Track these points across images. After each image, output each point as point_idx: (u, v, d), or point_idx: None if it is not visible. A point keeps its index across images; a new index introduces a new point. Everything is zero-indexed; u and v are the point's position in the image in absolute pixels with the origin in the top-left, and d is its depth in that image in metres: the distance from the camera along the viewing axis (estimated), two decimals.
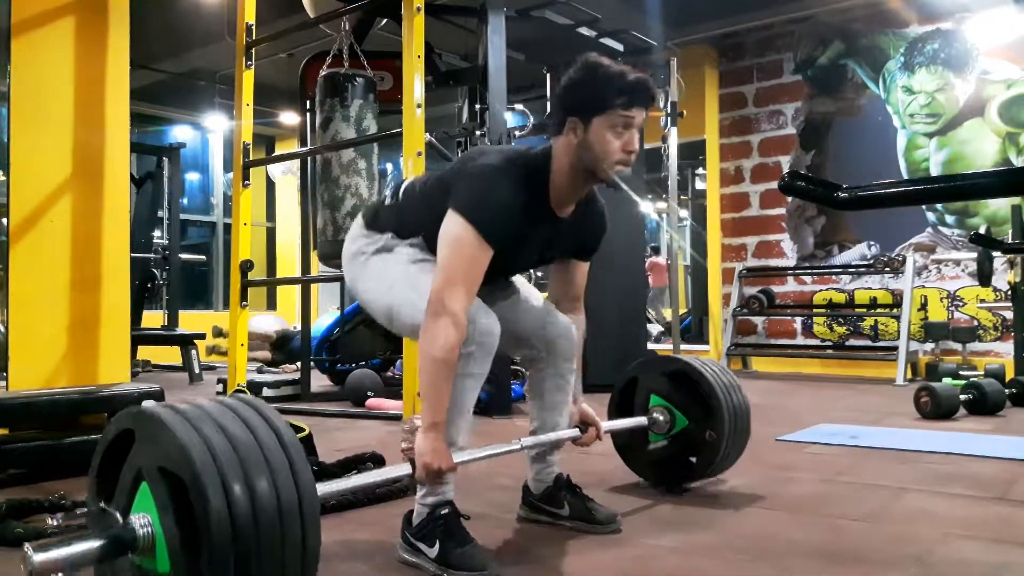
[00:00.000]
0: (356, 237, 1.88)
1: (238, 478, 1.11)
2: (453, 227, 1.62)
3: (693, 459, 2.29)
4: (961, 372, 5.42)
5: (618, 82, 1.65)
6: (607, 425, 2.08)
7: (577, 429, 1.98)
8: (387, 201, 1.88)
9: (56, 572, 1.09)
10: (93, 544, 1.13)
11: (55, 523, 1.90)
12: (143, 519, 1.15)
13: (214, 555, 1.08)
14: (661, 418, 2.25)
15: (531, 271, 3.69)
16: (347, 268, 1.89)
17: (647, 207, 7.67)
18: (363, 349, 5.58)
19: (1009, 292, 5.15)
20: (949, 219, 6.14)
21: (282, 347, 6.70)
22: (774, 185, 6.84)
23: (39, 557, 1.07)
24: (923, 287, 6.17)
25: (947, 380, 4.92)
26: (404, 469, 1.60)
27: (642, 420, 2.25)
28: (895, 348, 5.86)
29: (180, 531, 1.11)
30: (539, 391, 1.96)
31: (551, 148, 1.74)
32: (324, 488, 1.36)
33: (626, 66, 1.70)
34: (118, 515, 1.19)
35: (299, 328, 5.44)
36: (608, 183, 1.73)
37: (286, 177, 9.22)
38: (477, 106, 4.53)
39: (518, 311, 1.91)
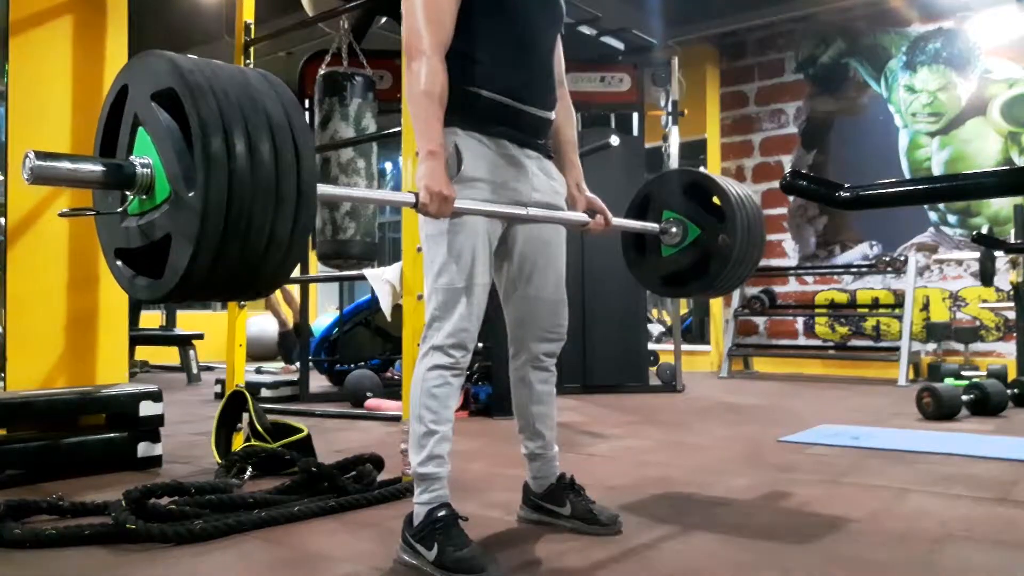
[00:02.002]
0: None
1: (233, 93, 1.14)
2: None
3: (706, 262, 2.19)
4: (963, 373, 5.40)
5: None
6: (618, 221, 2.00)
7: (585, 215, 1.92)
8: None
9: (56, 182, 1.13)
10: (96, 167, 1.17)
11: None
12: (143, 159, 1.19)
13: (208, 155, 1.10)
14: (673, 229, 2.18)
15: None
16: None
17: None
18: (362, 349, 5.58)
19: (1011, 292, 5.14)
20: (951, 219, 6.12)
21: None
22: (776, 184, 6.82)
23: (41, 163, 1.10)
24: (925, 287, 6.16)
25: (949, 381, 4.91)
26: (407, 196, 1.57)
27: (654, 226, 2.17)
28: (897, 348, 5.84)
29: (176, 152, 1.13)
30: (518, 394, 1.95)
31: None
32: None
33: None
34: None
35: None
36: None
37: None
38: None
39: (527, 313, 1.89)
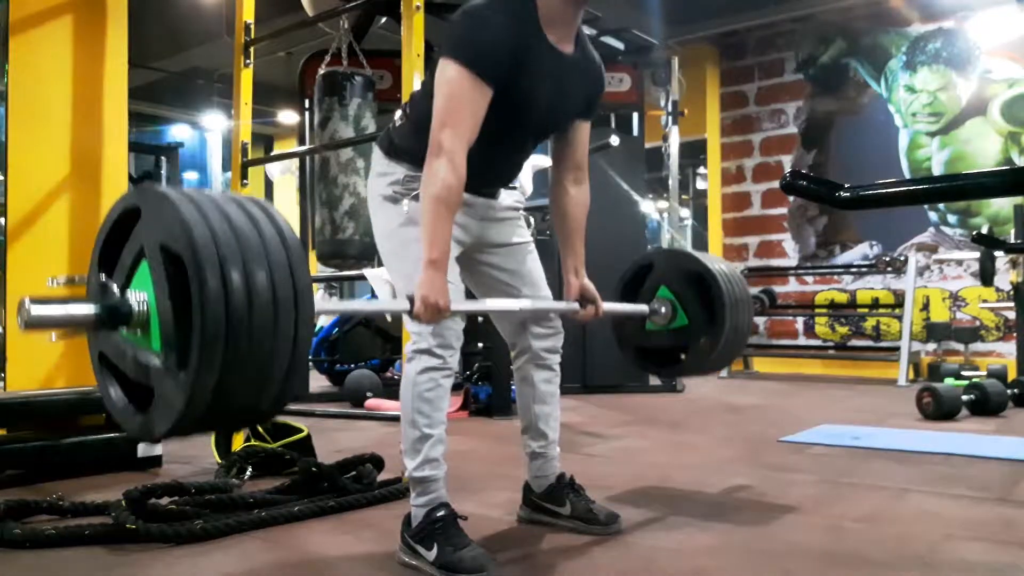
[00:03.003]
0: (377, 175, 1.83)
1: (237, 264, 1.11)
2: (444, 72, 1.60)
3: (683, 356, 2.23)
4: (963, 372, 5.40)
5: None
6: (608, 306, 2.02)
7: (577, 303, 1.93)
8: (398, 121, 1.83)
9: (50, 327, 1.12)
10: (89, 309, 1.16)
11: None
12: (140, 296, 1.17)
13: (205, 336, 1.07)
14: (663, 310, 2.18)
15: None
16: (370, 203, 1.86)
17: (647, 206, 7.65)
18: (362, 349, 5.57)
19: (1011, 292, 5.14)
20: (951, 219, 6.12)
21: None
22: (776, 184, 6.82)
23: (36, 309, 1.09)
24: (925, 287, 6.15)
25: (949, 381, 4.91)
26: (402, 303, 1.57)
27: (643, 308, 2.18)
28: (897, 348, 5.84)
29: (174, 311, 1.12)
30: (521, 393, 1.96)
31: None
32: (322, 304, 1.36)
33: None
34: (116, 289, 1.21)
35: None
36: None
37: (284, 176, 9.20)
38: None
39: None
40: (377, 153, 1.85)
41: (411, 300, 1.55)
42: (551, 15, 1.68)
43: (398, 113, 1.86)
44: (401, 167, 1.77)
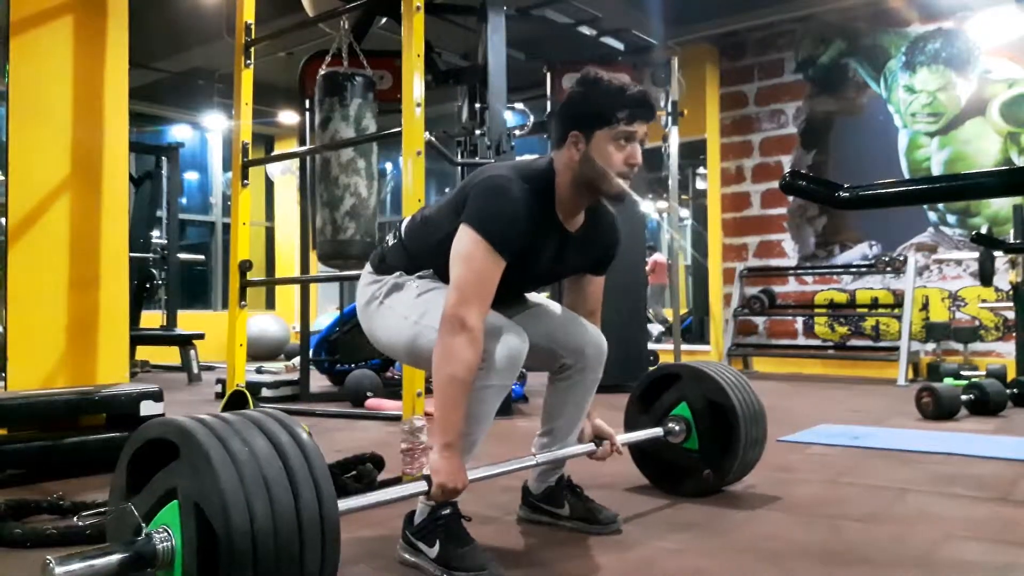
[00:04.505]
0: (366, 285, 1.85)
1: (263, 502, 1.13)
2: (465, 243, 1.60)
3: (682, 475, 2.28)
4: (963, 372, 5.41)
5: (619, 96, 1.66)
6: (622, 438, 2.06)
7: (592, 444, 1.96)
8: (391, 242, 1.86)
9: None
10: (113, 558, 1.14)
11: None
12: (164, 534, 1.17)
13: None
14: (677, 428, 2.23)
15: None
16: (362, 318, 1.86)
17: (647, 207, 7.66)
18: (362, 350, 5.56)
19: (1011, 292, 5.14)
20: (951, 219, 6.12)
21: None
22: (775, 184, 6.82)
23: (61, 570, 1.09)
24: (924, 287, 6.16)
25: (948, 380, 4.92)
26: (420, 486, 1.56)
27: (658, 431, 2.22)
28: (896, 348, 5.85)
29: (199, 555, 1.13)
30: (561, 399, 1.92)
31: (552, 161, 1.73)
32: (344, 504, 1.36)
33: (626, 78, 1.72)
34: (141, 522, 1.21)
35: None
36: (611, 197, 1.73)
37: (285, 177, 9.21)
38: (477, 105, 4.52)
39: (540, 322, 1.87)
40: (366, 270, 1.88)
41: (428, 482, 1.56)
42: (563, 199, 1.73)
43: (389, 236, 1.89)
44: (390, 276, 1.81)
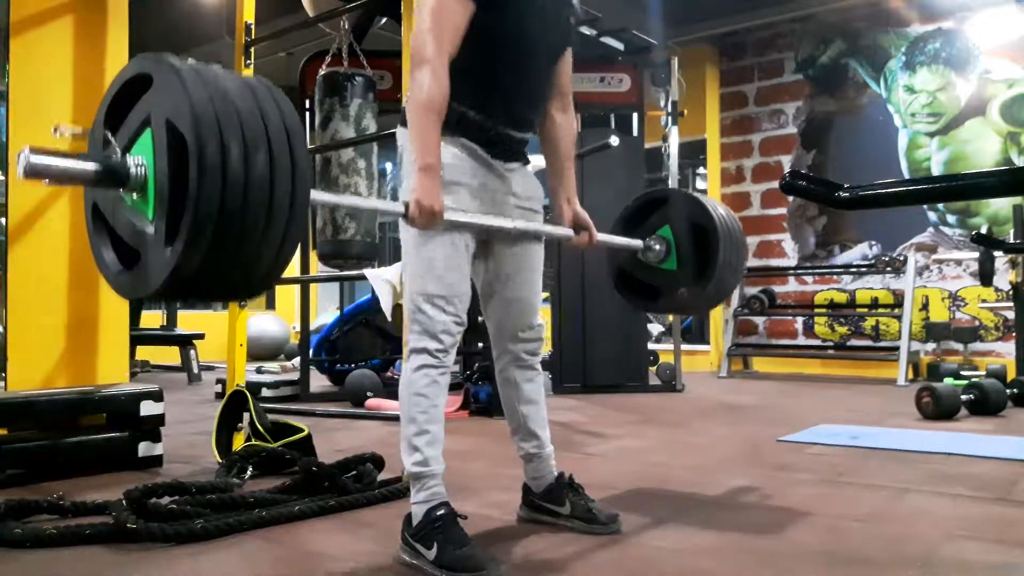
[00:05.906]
0: (400, 143, 1.84)
1: (237, 147, 1.14)
2: None
3: (657, 295, 2.25)
4: (962, 372, 5.41)
5: None
6: (603, 237, 2.02)
7: (571, 230, 1.94)
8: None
9: (49, 178, 1.14)
10: (89, 166, 1.18)
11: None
12: (139, 160, 1.20)
13: (198, 213, 1.11)
14: (657, 247, 2.18)
15: None
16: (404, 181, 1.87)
17: None
18: (362, 350, 5.57)
19: (1011, 292, 5.14)
20: (950, 219, 6.13)
21: None
22: (775, 185, 6.83)
23: (36, 159, 1.11)
24: (924, 287, 6.16)
25: (948, 380, 4.92)
26: (397, 207, 1.58)
27: (637, 243, 2.18)
28: (896, 348, 5.85)
29: (171, 182, 1.14)
30: (509, 379, 1.96)
31: None
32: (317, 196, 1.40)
33: None
34: (118, 149, 1.23)
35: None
36: None
37: None
38: None
39: (505, 315, 1.91)
40: (399, 131, 1.85)
41: (406, 205, 1.57)
42: None
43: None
44: None
